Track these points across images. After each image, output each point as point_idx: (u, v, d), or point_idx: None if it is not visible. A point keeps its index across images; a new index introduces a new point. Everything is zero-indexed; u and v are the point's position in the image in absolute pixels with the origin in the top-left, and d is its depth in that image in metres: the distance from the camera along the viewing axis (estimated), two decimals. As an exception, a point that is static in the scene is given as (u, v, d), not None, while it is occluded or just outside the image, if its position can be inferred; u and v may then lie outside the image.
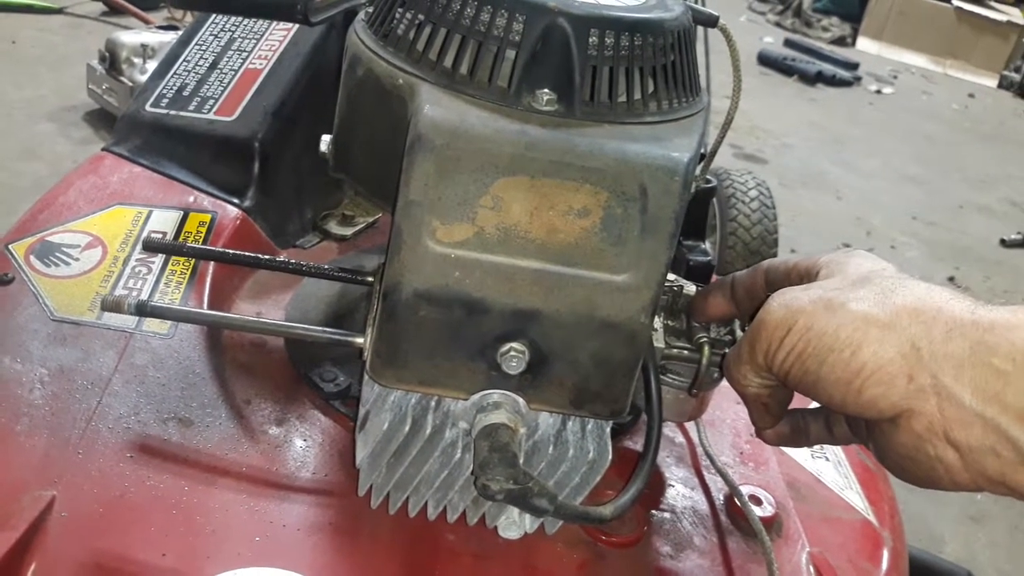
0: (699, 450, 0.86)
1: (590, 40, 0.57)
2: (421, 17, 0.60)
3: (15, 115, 3.13)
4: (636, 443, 0.83)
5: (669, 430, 0.87)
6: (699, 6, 0.72)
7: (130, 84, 2.99)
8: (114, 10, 4.05)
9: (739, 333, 0.70)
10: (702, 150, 0.64)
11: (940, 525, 2.19)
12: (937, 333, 0.52)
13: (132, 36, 3.11)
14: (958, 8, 7.15)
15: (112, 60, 3.05)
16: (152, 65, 2.97)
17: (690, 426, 0.88)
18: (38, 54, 3.64)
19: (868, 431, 0.59)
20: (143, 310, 0.66)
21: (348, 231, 1.05)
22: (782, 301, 0.58)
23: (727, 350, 0.68)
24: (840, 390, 0.55)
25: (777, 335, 0.57)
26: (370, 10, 0.66)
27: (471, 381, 0.61)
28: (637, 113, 0.59)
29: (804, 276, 0.63)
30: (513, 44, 0.57)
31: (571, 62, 0.57)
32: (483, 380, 0.60)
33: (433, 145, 0.54)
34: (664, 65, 0.61)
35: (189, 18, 3.72)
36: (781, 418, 0.66)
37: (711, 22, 0.82)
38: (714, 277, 0.91)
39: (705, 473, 0.84)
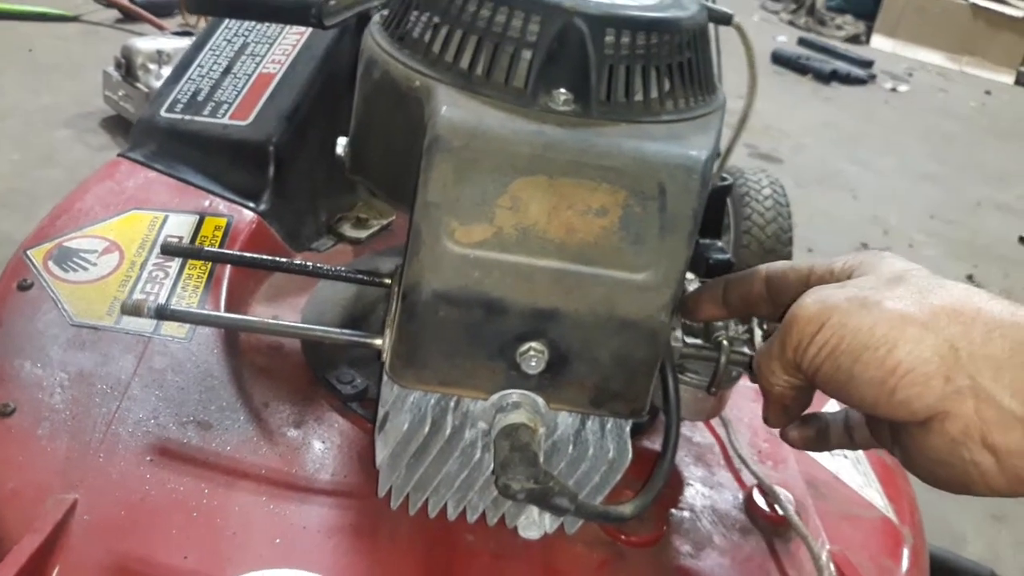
0: (716, 449, 0.86)
1: (606, 39, 0.57)
2: (437, 19, 0.60)
3: (33, 122, 3.15)
4: (653, 443, 0.83)
5: (686, 429, 0.87)
6: (713, 4, 0.72)
7: (146, 90, 3.00)
8: (128, 17, 4.07)
9: (757, 331, 0.69)
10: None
11: (962, 524, 2.17)
12: (976, 334, 0.51)
13: (148, 42, 3.12)
14: (974, 4, 7.09)
15: (128, 66, 3.06)
16: (168, 71, 2.98)
17: (701, 426, 0.88)
18: (54, 62, 3.66)
19: (894, 436, 0.58)
20: (163, 314, 0.66)
21: (362, 234, 1.05)
22: (817, 297, 0.56)
23: (745, 348, 0.68)
24: (873, 390, 0.53)
25: (809, 331, 0.55)
26: (385, 12, 0.66)
27: (491, 381, 0.60)
28: (654, 112, 0.59)
29: (825, 280, 0.61)
30: (529, 44, 0.57)
31: (587, 62, 0.57)
32: (502, 380, 0.60)
33: (451, 146, 0.54)
34: (680, 63, 0.61)
35: (203, 24, 3.73)
36: (795, 420, 0.66)
37: (725, 20, 0.82)
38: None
39: (723, 472, 0.83)
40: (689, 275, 0.71)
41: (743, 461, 0.82)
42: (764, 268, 0.66)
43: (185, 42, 3.09)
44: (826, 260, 0.62)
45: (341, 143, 0.70)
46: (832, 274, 0.61)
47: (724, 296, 0.67)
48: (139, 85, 3.04)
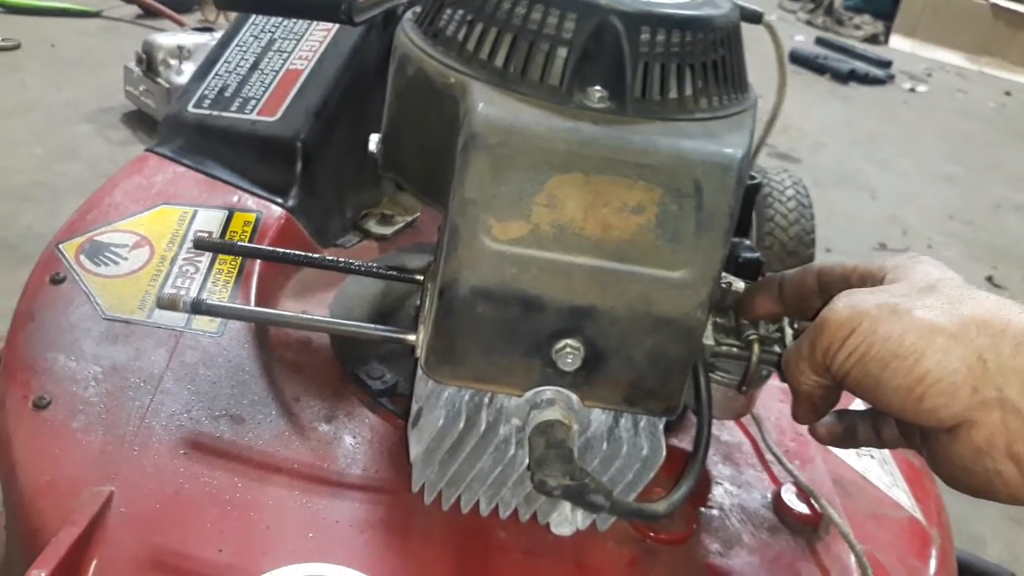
0: (743, 448, 0.86)
1: (641, 37, 0.57)
2: (471, 16, 0.60)
3: (55, 117, 3.16)
4: (681, 441, 0.83)
5: (713, 427, 0.87)
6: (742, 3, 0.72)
7: (166, 86, 3.01)
8: (149, 13, 4.09)
9: (788, 331, 0.69)
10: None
11: (981, 526, 2.16)
12: (1005, 346, 0.52)
13: (168, 38, 3.13)
14: (994, 4, 7.04)
15: (149, 62, 3.07)
16: (188, 66, 2.99)
17: (731, 425, 0.88)
18: (76, 57, 3.67)
19: (922, 439, 0.59)
20: (198, 308, 0.67)
21: (388, 230, 1.06)
22: (848, 302, 0.57)
23: (776, 347, 0.68)
24: (900, 397, 0.54)
25: (839, 335, 0.56)
26: (418, 9, 0.66)
27: (526, 378, 0.61)
28: (688, 110, 0.59)
29: (865, 281, 0.62)
30: (565, 42, 0.57)
31: (622, 59, 0.57)
32: (538, 377, 0.60)
33: (488, 143, 0.55)
34: (714, 61, 0.61)
35: (223, 19, 3.74)
36: (823, 417, 0.66)
37: (755, 18, 0.82)
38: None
39: (751, 471, 0.83)
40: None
41: (778, 459, 0.82)
42: (817, 264, 0.67)
43: (205, 37, 3.10)
44: (868, 261, 0.63)
45: (373, 140, 0.70)
46: (872, 275, 0.61)
47: (780, 292, 0.67)
48: (160, 80, 3.05)
